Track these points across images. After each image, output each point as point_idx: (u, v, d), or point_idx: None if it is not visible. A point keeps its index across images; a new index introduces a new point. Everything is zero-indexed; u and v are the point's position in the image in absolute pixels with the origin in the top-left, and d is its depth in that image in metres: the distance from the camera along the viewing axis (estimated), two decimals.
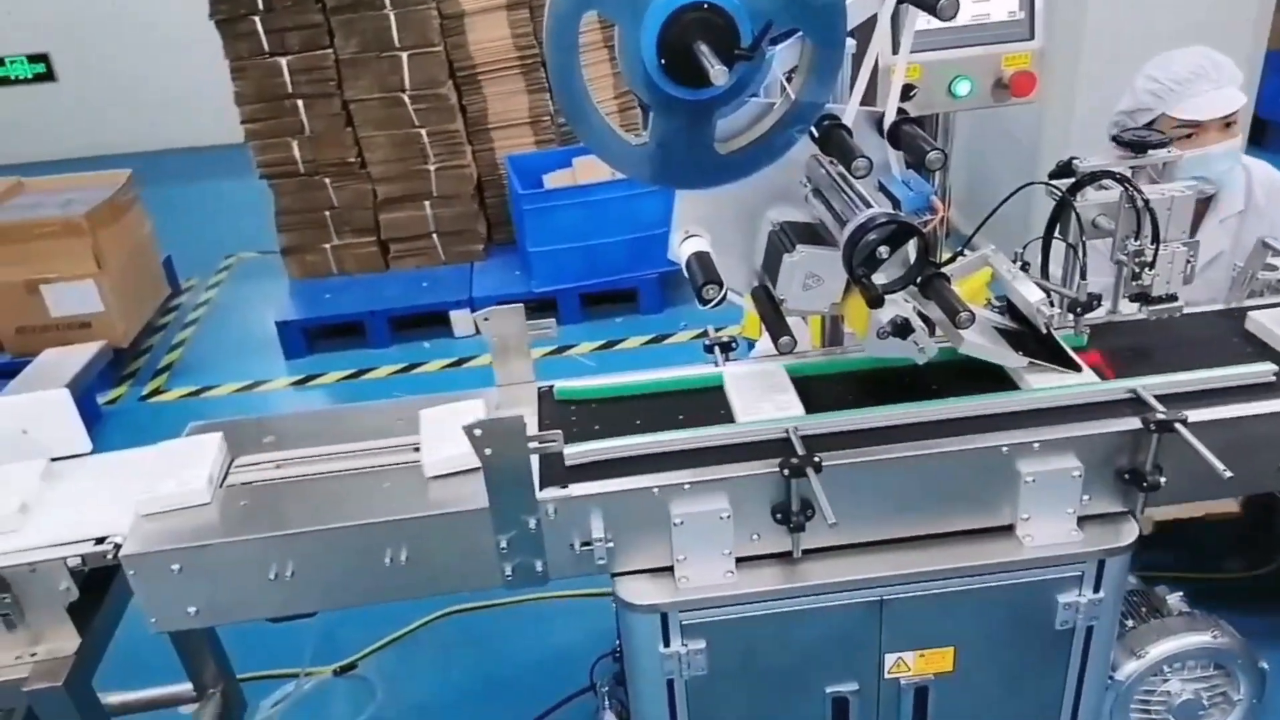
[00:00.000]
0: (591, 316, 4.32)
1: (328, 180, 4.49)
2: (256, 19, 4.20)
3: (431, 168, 4.48)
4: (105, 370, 3.97)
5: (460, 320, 4.32)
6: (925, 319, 1.69)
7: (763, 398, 1.77)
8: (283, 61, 4.30)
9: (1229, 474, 1.49)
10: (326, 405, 3.94)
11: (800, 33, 1.43)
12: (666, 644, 1.70)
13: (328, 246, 4.60)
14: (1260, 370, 1.71)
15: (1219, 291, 2.22)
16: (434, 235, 4.62)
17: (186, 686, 2.22)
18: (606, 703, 2.06)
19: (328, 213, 4.55)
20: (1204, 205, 2.38)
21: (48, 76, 7.10)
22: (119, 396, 4.06)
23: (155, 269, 4.70)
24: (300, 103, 4.36)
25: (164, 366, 4.33)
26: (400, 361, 4.22)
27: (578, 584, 2.62)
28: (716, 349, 2.00)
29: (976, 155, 3.88)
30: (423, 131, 4.42)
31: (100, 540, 1.62)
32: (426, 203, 4.54)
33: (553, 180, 4.38)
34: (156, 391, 4.13)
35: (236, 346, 4.48)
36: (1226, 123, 2.27)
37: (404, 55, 4.31)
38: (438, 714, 2.41)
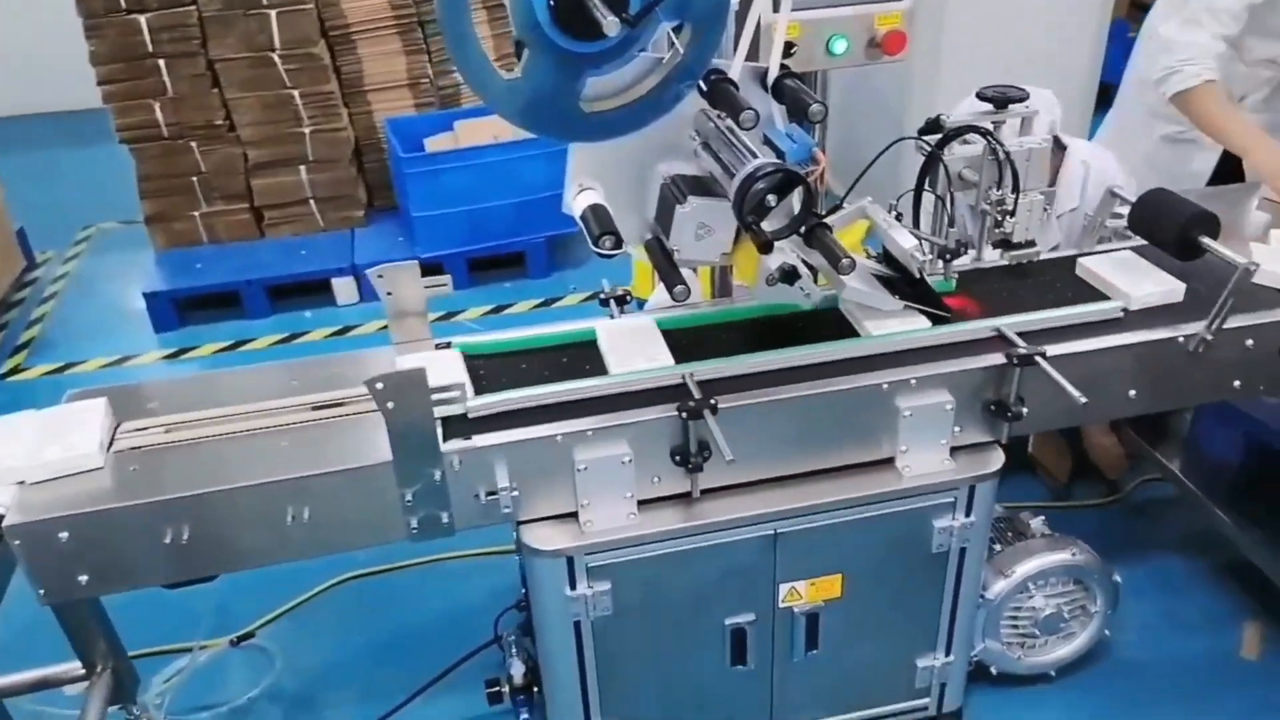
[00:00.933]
0: (479, 281, 4.29)
1: (194, 144, 4.28)
2: None
3: (306, 130, 4.33)
4: None
5: (343, 288, 4.22)
6: (811, 268, 1.78)
7: (637, 352, 1.81)
8: (141, 19, 4.06)
9: (1084, 399, 1.64)
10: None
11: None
12: (573, 587, 1.76)
13: (196, 214, 4.40)
14: (1111, 307, 1.87)
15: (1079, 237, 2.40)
16: (311, 201, 4.47)
17: (75, 665, 2.15)
18: (513, 651, 2.10)
19: (195, 178, 4.34)
20: (1059, 161, 2.55)
21: None
22: None
23: (8, 240, 4.41)
24: (162, 62, 4.13)
25: (23, 343, 4.08)
26: (281, 331, 4.10)
27: (478, 542, 2.68)
28: (612, 303, 2.05)
29: (849, 115, 4.03)
30: (295, 93, 4.26)
31: None
32: (301, 167, 4.39)
33: (434, 144, 4.30)
34: (16, 370, 3.90)
35: (101, 320, 4.25)
36: None
37: (272, 13, 4.13)
38: (340, 679, 2.40)
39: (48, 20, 5.07)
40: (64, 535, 1.54)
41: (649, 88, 1.58)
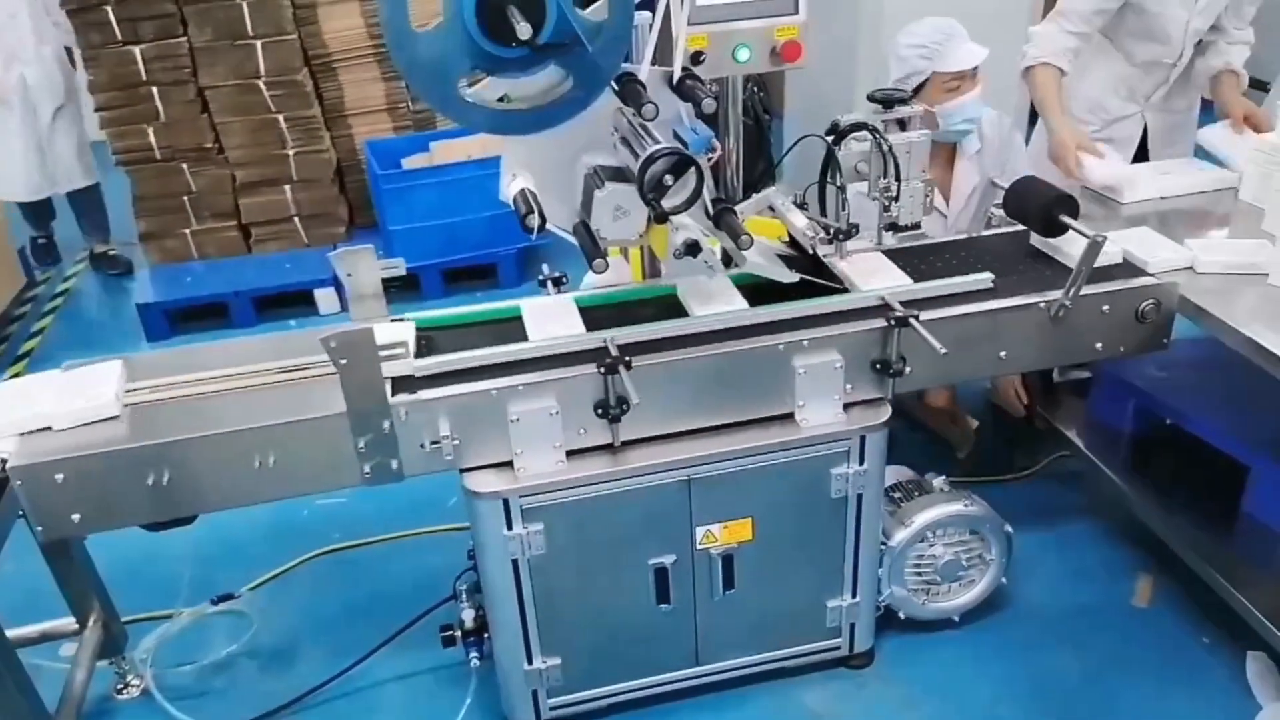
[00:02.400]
0: (453, 291, 4.54)
1: (185, 166, 4.55)
2: (108, 8, 4.24)
3: (290, 152, 4.61)
4: None
5: (325, 298, 4.47)
6: (725, 250, 2.04)
7: (555, 323, 2.05)
8: (136, 50, 4.35)
9: (944, 350, 1.88)
10: None
11: None
12: (509, 528, 1.99)
13: (187, 231, 4.67)
14: (980, 278, 2.12)
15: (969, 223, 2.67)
16: (295, 219, 4.74)
17: (70, 621, 2.37)
18: (465, 599, 2.32)
19: (186, 198, 4.61)
20: (953, 150, 2.81)
21: None
22: None
23: (9, 259, 4.67)
24: (155, 90, 4.42)
25: (24, 353, 4.33)
26: None
27: (445, 519, 2.90)
28: (549, 284, 2.31)
29: (811, 116, 4.30)
30: (280, 117, 4.55)
31: None
32: (287, 187, 4.67)
33: (411, 164, 4.58)
34: (17, 377, 4.14)
35: (98, 332, 4.50)
36: (974, 72, 2.67)
37: (258, 43, 4.43)
38: (313, 637, 2.61)
39: None
40: (59, 477, 1.77)
41: (570, 86, 1.84)
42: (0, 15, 4.43)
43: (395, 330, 2.02)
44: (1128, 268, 2.17)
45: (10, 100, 4.50)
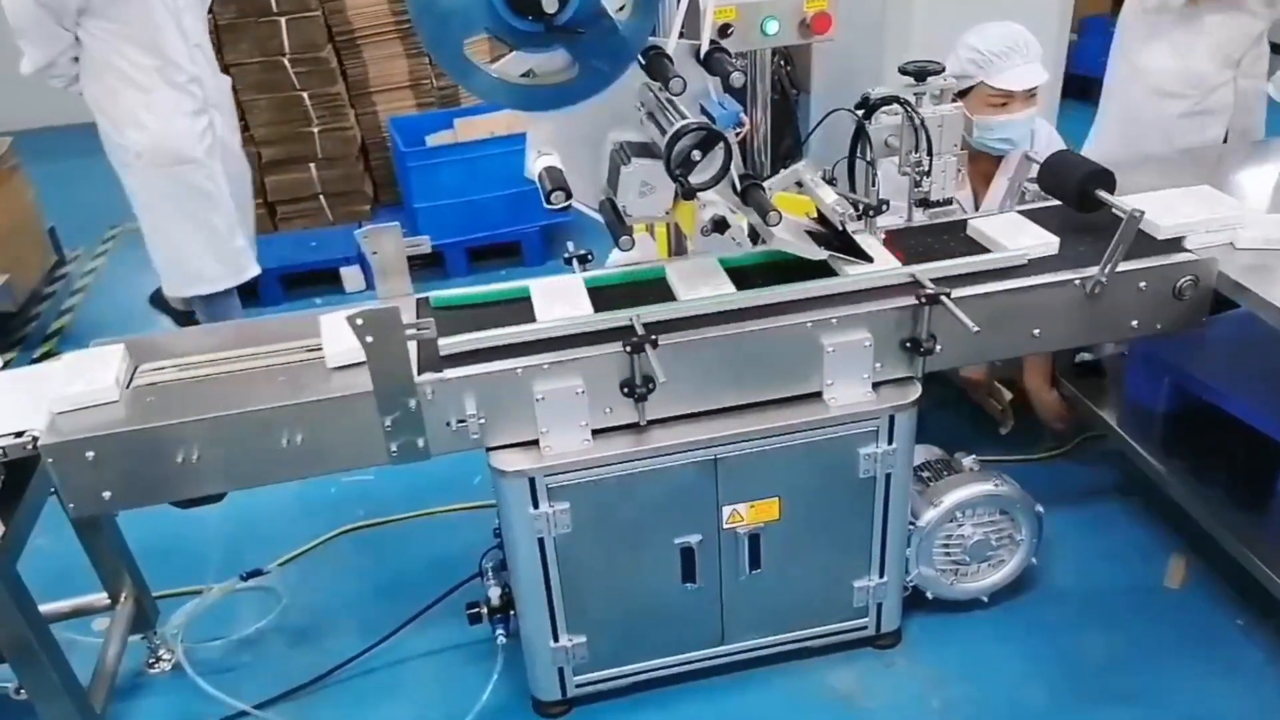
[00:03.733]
0: (477, 269, 4.54)
1: None
2: None
3: (315, 130, 4.61)
4: None
5: (350, 276, 4.48)
6: (753, 227, 2.01)
7: (563, 303, 2.04)
8: None
9: (976, 329, 1.85)
10: None
11: None
12: (535, 506, 1.98)
13: None
14: (1015, 254, 2.08)
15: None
16: (321, 197, 4.76)
17: (101, 595, 2.40)
18: (491, 579, 2.33)
19: None
20: (996, 161, 2.75)
21: None
22: (10, 361, 4.08)
23: (39, 237, 4.71)
24: None
25: (54, 331, 4.37)
26: None
27: (470, 497, 2.91)
28: (575, 261, 2.29)
29: (835, 92, 4.26)
30: (304, 95, 4.55)
31: (19, 435, 1.80)
32: (311, 165, 4.68)
33: (435, 141, 4.57)
34: (48, 355, 4.18)
35: (127, 310, 4.54)
36: (1030, 93, 2.60)
37: (283, 20, 4.43)
38: (340, 614, 2.63)
39: None
40: (90, 454, 1.78)
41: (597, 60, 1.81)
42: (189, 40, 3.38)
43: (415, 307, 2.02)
44: (1166, 244, 2.12)
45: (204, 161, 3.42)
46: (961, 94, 2.56)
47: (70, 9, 3.10)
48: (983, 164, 2.75)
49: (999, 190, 2.75)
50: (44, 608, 2.26)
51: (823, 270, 2.07)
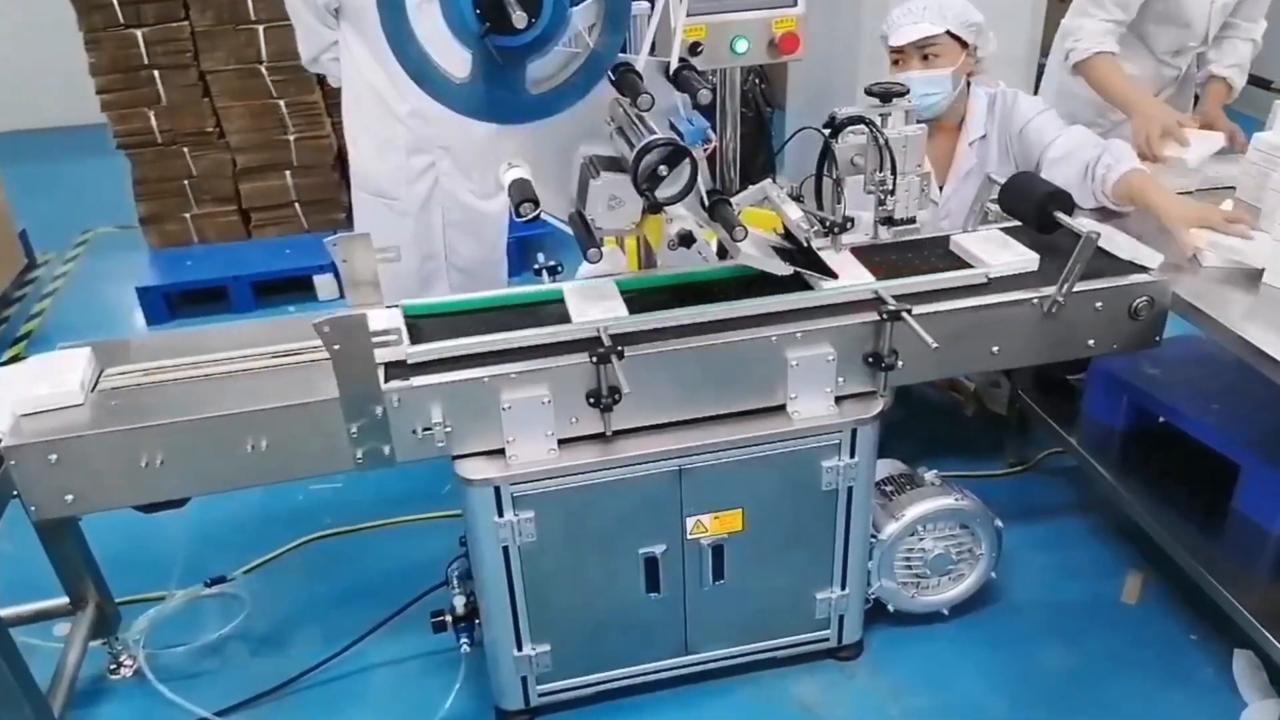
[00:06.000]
0: None
1: (186, 150, 4.56)
2: None
3: (291, 138, 4.61)
4: None
5: (324, 284, 4.47)
6: (721, 243, 2.04)
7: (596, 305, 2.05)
8: (138, 33, 4.36)
9: (935, 345, 1.89)
10: None
11: None
12: (500, 514, 1.99)
13: (188, 216, 4.67)
14: (975, 274, 2.12)
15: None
16: (296, 204, 4.74)
17: (63, 600, 2.38)
18: (456, 586, 2.33)
19: (186, 182, 4.61)
20: (956, 129, 2.75)
21: None
22: None
23: (10, 240, 4.67)
24: (156, 73, 4.42)
25: (22, 335, 4.34)
26: None
27: (439, 506, 2.92)
28: (544, 272, 2.31)
29: (815, 107, 4.31)
30: (281, 102, 4.55)
31: None
32: (287, 172, 4.67)
33: None
34: (16, 359, 4.15)
35: (97, 314, 4.51)
36: (924, 54, 2.60)
37: (260, 28, 4.42)
38: (305, 621, 2.62)
39: (49, 41, 5.43)
40: (53, 457, 1.78)
41: (566, 76, 1.84)
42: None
43: (384, 317, 2.03)
44: (1122, 264, 2.17)
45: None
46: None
47: (318, 6, 2.90)
48: (945, 131, 2.74)
49: (963, 158, 2.73)
50: (4, 612, 2.24)
51: (790, 285, 2.10)
